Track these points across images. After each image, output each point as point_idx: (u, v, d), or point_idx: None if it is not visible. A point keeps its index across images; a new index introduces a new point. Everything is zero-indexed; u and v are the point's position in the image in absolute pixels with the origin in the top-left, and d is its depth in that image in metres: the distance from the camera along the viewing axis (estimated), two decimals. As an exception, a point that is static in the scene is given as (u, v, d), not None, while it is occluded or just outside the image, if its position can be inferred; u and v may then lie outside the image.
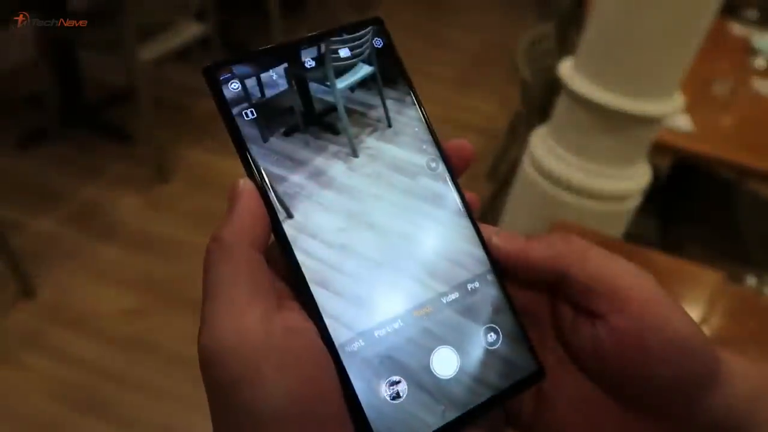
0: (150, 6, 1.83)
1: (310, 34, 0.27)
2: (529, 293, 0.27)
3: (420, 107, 0.28)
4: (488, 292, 0.26)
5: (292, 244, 0.24)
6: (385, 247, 0.25)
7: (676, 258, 0.98)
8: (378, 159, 0.26)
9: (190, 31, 2.03)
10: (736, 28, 1.93)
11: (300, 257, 0.24)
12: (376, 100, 0.27)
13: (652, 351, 0.23)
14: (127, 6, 1.70)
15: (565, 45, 1.73)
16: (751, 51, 1.79)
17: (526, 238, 0.26)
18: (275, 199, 0.24)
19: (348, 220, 0.25)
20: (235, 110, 0.24)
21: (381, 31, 0.28)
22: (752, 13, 2.00)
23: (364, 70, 0.27)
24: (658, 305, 0.23)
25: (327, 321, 0.23)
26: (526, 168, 1.25)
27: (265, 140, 0.24)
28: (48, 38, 1.98)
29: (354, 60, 0.27)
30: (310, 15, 2.92)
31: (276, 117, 0.25)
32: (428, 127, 0.28)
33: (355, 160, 0.26)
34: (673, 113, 1.10)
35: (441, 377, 0.24)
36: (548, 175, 1.19)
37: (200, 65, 0.25)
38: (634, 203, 1.20)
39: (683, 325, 0.23)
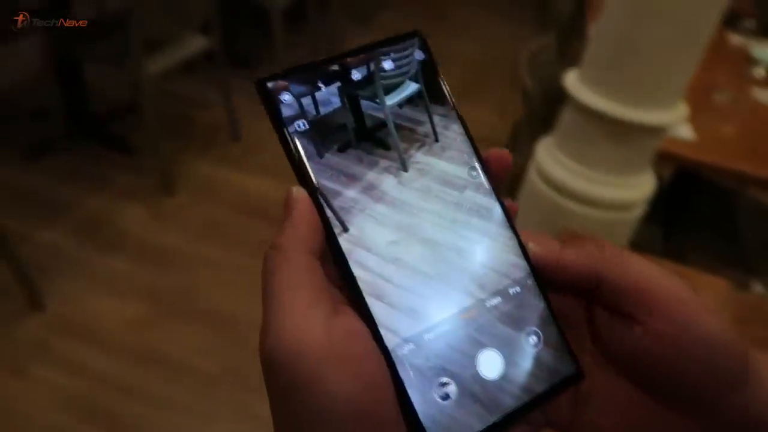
0: (155, 19, 1.84)
1: (356, 48, 0.27)
2: (564, 297, 0.28)
3: (461, 121, 0.29)
4: (529, 297, 0.27)
5: (347, 257, 0.24)
6: (433, 257, 0.26)
7: (680, 266, 0.99)
8: (426, 173, 0.27)
9: (195, 44, 2.04)
10: (735, 39, 1.95)
11: (355, 270, 0.24)
12: (422, 116, 0.28)
13: (685, 349, 0.23)
14: (133, 19, 1.71)
15: (566, 54, 1.75)
16: (750, 61, 1.81)
17: (560, 244, 0.27)
18: (332, 213, 0.25)
19: (399, 232, 0.26)
20: (290, 126, 0.25)
21: (422, 44, 0.29)
22: (750, 23, 2.02)
23: (411, 87, 0.28)
24: (689, 306, 0.24)
25: (380, 328, 0.24)
26: (532, 177, 1.26)
27: (321, 156, 0.25)
28: (54, 50, 2.00)
29: (401, 77, 0.28)
30: (312, 27, 2.94)
31: (329, 133, 0.26)
32: (470, 139, 0.29)
33: (405, 174, 0.27)
34: (678, 122, 1.12)
35: (487, 379, 0.25)
36: (554, 185, 1.20)
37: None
38: (638, 212, 1.21)
39: (714, 324, 0.24)
